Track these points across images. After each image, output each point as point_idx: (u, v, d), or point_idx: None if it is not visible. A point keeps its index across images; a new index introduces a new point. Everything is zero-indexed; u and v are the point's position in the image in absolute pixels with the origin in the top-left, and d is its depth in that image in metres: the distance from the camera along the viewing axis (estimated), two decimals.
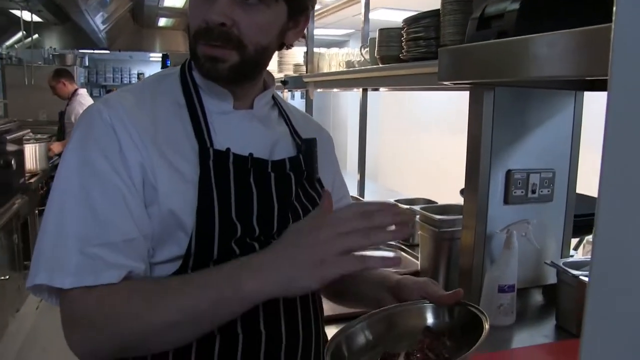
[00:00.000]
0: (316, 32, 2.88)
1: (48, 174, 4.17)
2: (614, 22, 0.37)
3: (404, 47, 1.57)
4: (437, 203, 1.80)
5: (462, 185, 1.45)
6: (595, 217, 0.39)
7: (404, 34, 1.57)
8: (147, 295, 0.72)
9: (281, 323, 0.84)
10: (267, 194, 0.86)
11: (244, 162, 0.84)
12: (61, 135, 4.98)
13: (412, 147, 5.62)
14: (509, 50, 0.89)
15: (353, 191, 2.63)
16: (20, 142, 3.52)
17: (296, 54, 3.26)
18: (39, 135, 4.60)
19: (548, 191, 1.35)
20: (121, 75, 9.77)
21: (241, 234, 0.81)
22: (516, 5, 0.92)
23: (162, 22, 7.23)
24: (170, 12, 6.31)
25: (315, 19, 2.90)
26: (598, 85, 1.30)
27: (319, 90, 2.79)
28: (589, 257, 1.34)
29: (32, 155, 3.94)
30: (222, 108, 0.88)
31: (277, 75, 3.23)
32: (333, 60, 2.61)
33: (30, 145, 3.91)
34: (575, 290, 1.15)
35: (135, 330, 0.71)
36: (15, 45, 6.83)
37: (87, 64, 8.78)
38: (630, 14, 0.37)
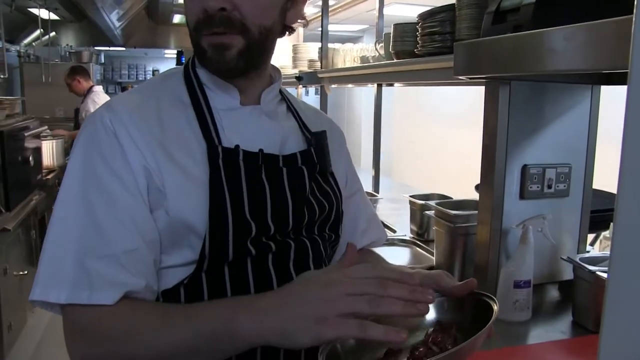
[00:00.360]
0: (330, 27, 2.88)
1: (65, 170, 4.23)
2: (635, 15, 0.37)
3: (419, 42, 1.56)
4: (452, 198, 1.79)
5: (477, 181, 1.44)
6: (614, 213, 0.39)
7: (419, 29, 1.56)
8: (144, 323, 0.71)
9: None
10: (281, 189, 0.84)
11: (255, 159, 0.82)
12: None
13: (426, 142, 5.60)
14: (525, 44, 0.88)
15: (368, 187, 2.63)
16: (38, 138, 3.58)
17: (310, 49, 3.26)
18: (56, 131, 4.67)
19: (564, 186, 1.34)
20: (136, 72, 9.83)
21: (256, 232, 0.80)
22: None
23: (177, 18, 7.26)
24: None
25: (329, 14, 2.89)
26: (615, 79, 1.29)
27: (333, 86, 2.79)
28: (606, 252, 1.33)
29: (50, 151, 4.00)
30: (229, 104, 0.86)
31: (292, 71, 3.23)
32: (347, 56, 2.61)
33: (47, 141, 3.97)
34: (592, 286, 1.14)
35: (132, 351, 0.70)
36: (33, 43, 6.91)
37: (102, 61, 8.86)
38: None
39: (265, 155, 0.84)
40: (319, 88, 2.90)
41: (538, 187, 1.30)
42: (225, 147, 0.80)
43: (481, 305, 0.74)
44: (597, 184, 1.42)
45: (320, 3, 2.89)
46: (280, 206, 0.83)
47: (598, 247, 1.58)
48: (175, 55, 8.07)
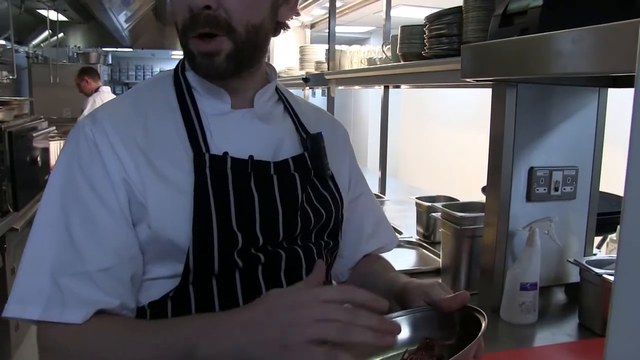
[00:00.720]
0: (337, 29, 2.89)
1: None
2: None
3: (426, 44, 1.57)
4: (458, 200, 1.79)
5: (483, 183, 1.44)
6: (621, 215, 0.39)
7: (426, 31, 1.57)
8: (113, 341, 0.70)
9: None
10: (271, 199, 0.80)
11: (244, 166, 0.79)
12: None
13: (432, 144, 5.59)
14: (532, 47, 0.89)
15: (374, 188, 2.63)
16: (45, 139, 3.60)
17: (317, 51, 3.27)
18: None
19: (571, 189, 1.33)
20: (143, 72, 9.88)
21: (243, 244, 0.77)
22: (539, 2, 0.91)
23: None
24: None
25: (336, 16, 2.90)
26: (622, 82, 1.29)
27: (340, 87, 2.80)
28: (613, 255, 1.33)
29: (57, 151, 4.02)
30: (219, 109, 0.83)
31: (299, 73, 3.24)
32: (354, 58, 2.62)
33: (55, 142, 4.00)
34: (599, 289, 1.14)
35: None
36: (42, 45, 6.96)
37: (110, 61, 8.91)
38: None
39: (255, 162, 0.80)
40: (326, 89, 2.91)
41: (545, 189, 1.30)
42: (212, 155, 0.77)
43: (470, 320, 0.69)
44: (604, 187, 1.41)
45: (327, 5, 2.90)
46: (270, 216, 0.80)
47: (605, 250, 1.58)
48: (182, 57, 8.10)
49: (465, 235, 1.39)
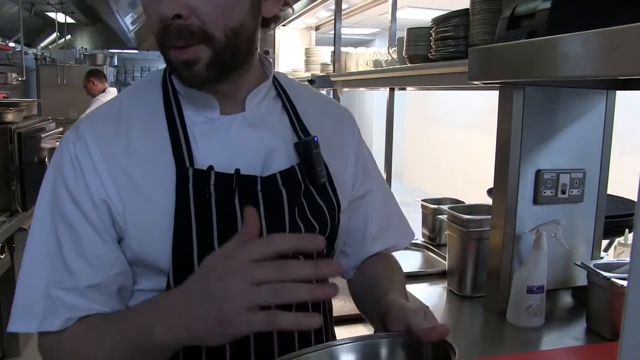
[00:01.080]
0: (342, 31, 2.89)
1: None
2: None
3: (433, 46, 1.57)
4: (463, 203, 1.79)
5: (487, 185, 1.44)
6: (634, 219, 0.39)
7: (433, 34, 1.57)
8: (95, 335, 0.71)
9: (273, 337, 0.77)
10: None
11: (229, 181, 0.75)
12: None
13: (437, 146, 5.58)
14: (540, 50, 0.88)
15: None
16: (53, 139, 3.62)
17: (323, 53, 3.27)
18: None
19: (578, 192, 1.33)
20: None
21: None
22: (547, 5, 0.91)
23: None
24: None
25: (342, 18, 2.90)
26: (631, 85, 1.28)
27: (345, 89, 2.80)
28: (621, 259, 1.32)
29: None
30: (207, 115, 0.79)
31: (304, 75, 3.25)
32: (360, 60, 2.62)
33: None
34: (608, 293, 1.13)
35: None
36: (49, 46, 7.01)
37: (116, 63, 8.95)
38: None
39: (241, 177, 0.76)
40: (332, 91, 2.91)
41: (552, 192, 1.30)
42: (196, 169, 0.74)
43: (440, 354, 0.65)
44: (611, 190, 1.41)
45: (333, 7, 2.90)
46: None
47: (612, 253, 1.57)
48: None
49: (472, 238, 1.39)
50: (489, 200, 1.40)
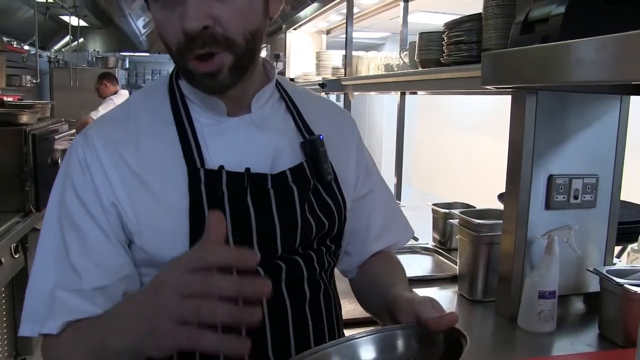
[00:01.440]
0: (353, 35, 2.90)
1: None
2: None
3: (445, 50, 1.57)
4: (474, 207, 1.78)
5: (498, 190, 1.44)
6: None
7: (445, 38, 1.57)
8: (77, 341, 0.72)
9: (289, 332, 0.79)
10: (268, 213, 0.78)
11: (240, 180, 0.76)
12: None
13: (447, 151, 5.57)
14: (554, 55, 0.88)
15: None
16: (66, 141, 3.66)
17: (334, 57, 3.28)
18: None
19: (591, 197, 1.32)
20: (159, 77, 9.96)
21: None
22: (561, 10, 0.91)
23: None
24: None
25: (353, 22, 2.91)
26: None
27: (355, 93, 2.81)
28: (634, 265, 1.31)
29: None
30: (215, 118, 0.80)
31: (315, 78, 3.25)
32: (371, 64, 2.63)
33: None
34: (620, 299, 1.13)
35: None
36: (63, 49, 7.09)
37: (127, 66, 9.02)
38: None
39: (252, 176, 0.77)
40: (342, 95, 2.92)
41: (564, 197, 1.29)
42: (208, 169, 0.75)
43: (452, 342, 0.65)
44: (624, 196, 1.40)
45: (344, 11, 2.91)
46: (268, 232, 0.78)
47: (625, 259, 1.56)
48: None
49: (483, 242, 1.39)
50: (499, 205, 1.40)
